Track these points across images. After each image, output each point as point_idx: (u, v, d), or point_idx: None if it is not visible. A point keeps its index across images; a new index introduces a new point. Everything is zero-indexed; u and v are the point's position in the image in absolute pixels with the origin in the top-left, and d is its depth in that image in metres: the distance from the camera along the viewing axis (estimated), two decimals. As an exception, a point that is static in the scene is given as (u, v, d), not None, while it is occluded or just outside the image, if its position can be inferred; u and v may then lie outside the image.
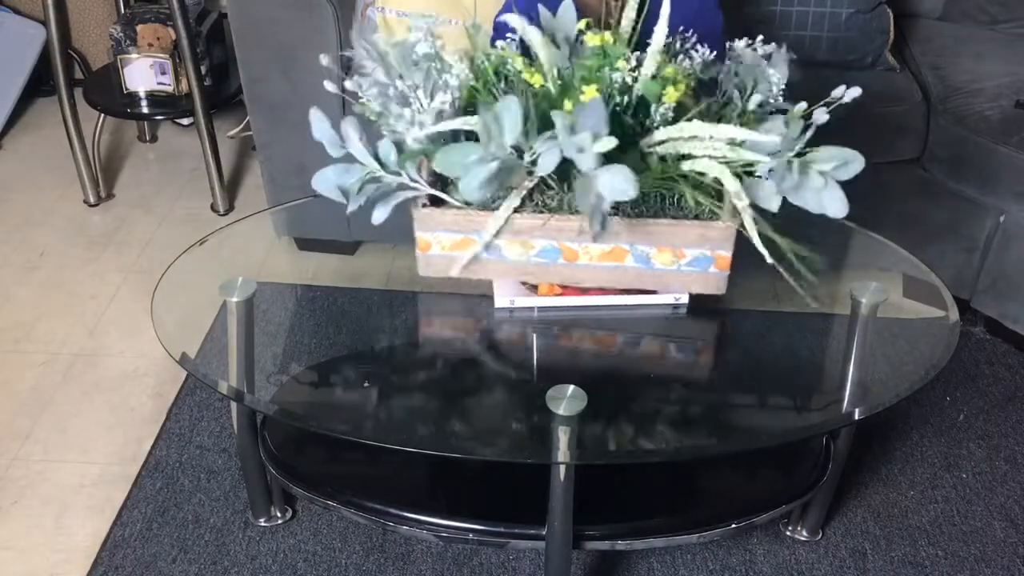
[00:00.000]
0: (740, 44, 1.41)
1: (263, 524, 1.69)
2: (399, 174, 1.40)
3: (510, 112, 1.23)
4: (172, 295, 1.55)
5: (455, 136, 1.37)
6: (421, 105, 1.36)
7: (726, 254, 1.40)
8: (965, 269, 2.12)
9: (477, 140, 1.29)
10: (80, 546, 1.66)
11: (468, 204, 1.42)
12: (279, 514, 1.69)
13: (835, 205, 1.31)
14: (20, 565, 1.63)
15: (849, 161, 1.30)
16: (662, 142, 1.33)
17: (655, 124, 1.34)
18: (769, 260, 1.29)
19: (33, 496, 1.75)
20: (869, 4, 2.17)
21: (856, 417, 1.43)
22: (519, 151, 1.30)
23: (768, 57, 1.39)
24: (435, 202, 1.43)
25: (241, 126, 2.90)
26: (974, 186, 2.04)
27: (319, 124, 1.41)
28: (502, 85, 1.40)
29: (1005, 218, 2.01)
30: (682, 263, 1.41)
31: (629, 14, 1.42)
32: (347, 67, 2.02)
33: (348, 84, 1.42)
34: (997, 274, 2.06)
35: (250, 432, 1.55)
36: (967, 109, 2.05)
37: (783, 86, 1.38)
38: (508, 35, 1.41)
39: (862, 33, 2.19)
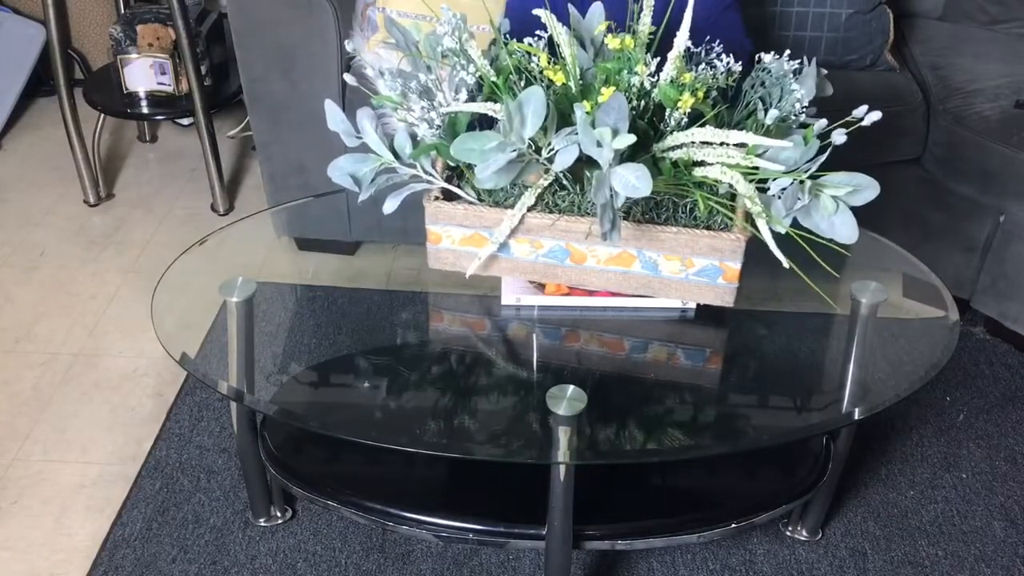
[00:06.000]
0: (768, 57, 1.41)
1: (263, 524, 1.69)
2: (413, 166, 1.41)
3: (534, 102, 1.24)
4: (172, 295, 1.55)
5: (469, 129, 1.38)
6: (445, 98, 1.37)
7: (735, 266, 1.39)
8: (965, 269, 2.12)
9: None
10: (80, 546, 1.66)
11: (480, 200, 1.43)
12: (279, 514, 1.69)
13: (846, 231, 1.30)
14: (20, 565, 1.63)
15: (863, 187, 1.29)
16: (674, 147, 1.33)
17: (669, 129, 1.34)
18: (786, 265, 1.29)
19: (33, 496, 1.75)
20: (869, 4, 2.18)
21: (856, 417, 1.43)
22: (536, 147, 1.31)
23: (798, 71, 1.38)
24: (447, 196, 1.44)
25: (241, 126, 2.90)
26: (974, 186, 2.04)
27: (334, 115, 1.42)
28: (522, 83, 1.41)
29: (1005, 218, 2.01)
30: (690, 272, 1.41)
31: (645, 19, 1.42)
32: (348, 67, 2.03)
33: (369, 72, 1.43)
34: (997, 274, 2.06)
35: (250, 432, 1.56)
36: (967, 109, 2.05)
37: (806, 103, 1.37)
38: (537, 32, 1.42)
39: (862, 34, 2.19)
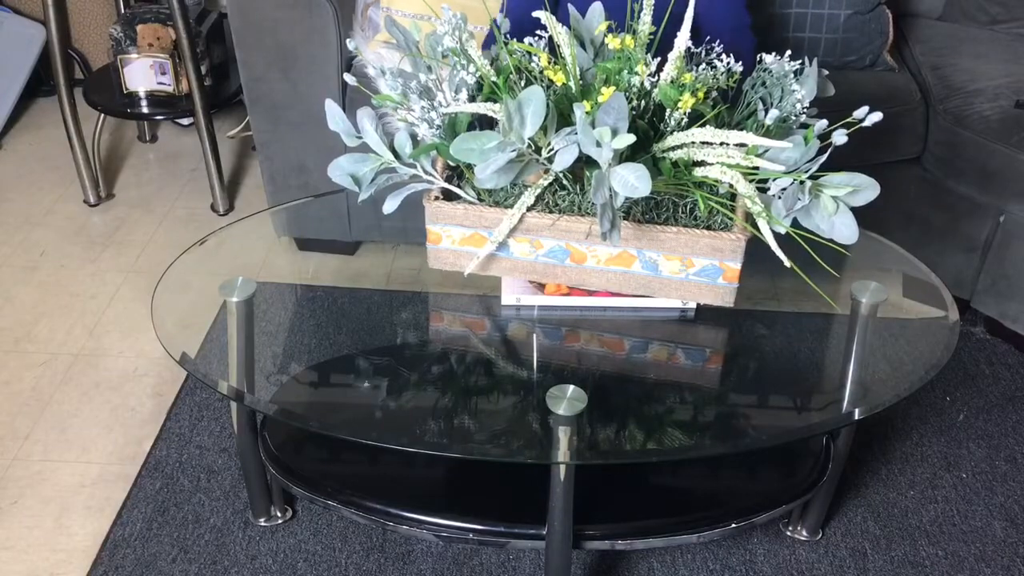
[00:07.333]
0: (769, 57, 1.41)
1: (263, 524, 1.69)
2: (413, 166, 1.41)
3: (533, 102, 1.24)
4: (172, 295, 1.55)
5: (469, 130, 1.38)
6: (445, 98, 1.37)
7: (735, 266, 1.39)
8: (965, 269, 2.12)
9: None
10: (80, 546, 1.66)
11: (480, 200, 1.43)
12: (279, 514, 1.69)
13: (846, 231, 1.31)
14: (20, 565, 1.63)
15: (863, 187, 1.30)
16: (674, 147, 1.33)
17: (669, 129, 1.34)
18: (787, 264, 1.29)
19: (33, 496, 1.75)
20: (868, 5, 2.18)
21: (856, 417, 1.43)
22: (536, 147, 1.31)
23: (798, 72, 1.39)
24: (447, 196, 1.44)
25: (241, 126, 2.90)
26: (974, 186, 2.04)
27: (334, 115, 1.42)
28: (522, 83, 1.41)
29: (1005, 218, 2.01)
30: (691, 272, 1.41)
31: (645, 19, 1.42)
32: (348, 66, 2.03)
33: (370, 71, 1.43)
34: (997, 274, 2.07)
35: (250, 432, 1.56)
36: (967, 109, 2.05)
37: (807, 104, 1.38)
38: (537, 32, 1.42)
39: (861, 34, 2.19)
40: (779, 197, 1.31)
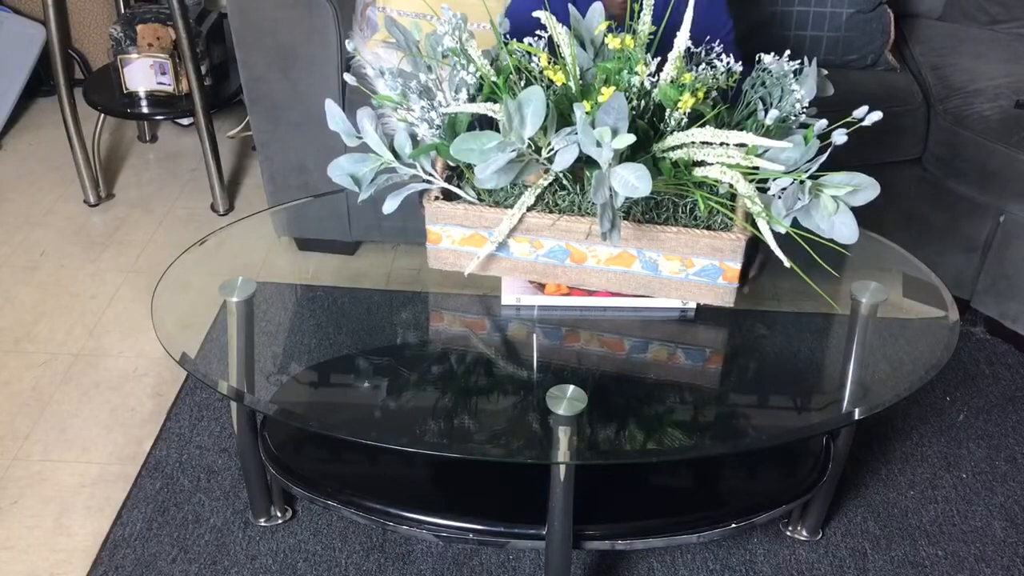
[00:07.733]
0: (768, 57, 1.41)
1: (263, 524, 1.69)
2: (413, 166, 1.41)
3: (534, 102, 1.24)
4: (172, 295, 1.55)
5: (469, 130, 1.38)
6: (445, 98, 1.37)
7: (735, 266, 1.39)
8: (965, 269, 2.12)
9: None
10: (80, 546, 1.66)
11: (480, 200, 1.43)
12: (279, 514, 1.69)
13: (846, 231, 1.31)
14: (20, 565, 1.63)
15: (863, 187, 1.29)
16: (674, 147, 1.33)
17: (669, 129, 1.34)
18: (787, 264, 1.29)
19: (33, 496, 1.75)
20: (869, 4, 2.18)
21: (856, 417, 1.43)
22: (536, 147, 1.31)
23: (798, 72, 1.38)
24: (447, 196, 1.44)
25: (241, 126, 2.90)
26: (974, 186, 2.04)
27: (334, 115, 1.42)
28: (522, 83, 1.41)
29: (1005, 218, 2.01)
30: (690, 272, 1.41)
31: (645, 18, 1.42)
32: (348, 66, 2.03)
33: (369, 72, 1.43)
34: (997, 274, 2.06)
35: (250, 432, 1.56)
36: (967, 109, 2.05)
37: (806, 104, 1.38)
38: (537, 32, 1.42)
39: (862, 33, 2.19)
40: (779, 197, 1.31)
